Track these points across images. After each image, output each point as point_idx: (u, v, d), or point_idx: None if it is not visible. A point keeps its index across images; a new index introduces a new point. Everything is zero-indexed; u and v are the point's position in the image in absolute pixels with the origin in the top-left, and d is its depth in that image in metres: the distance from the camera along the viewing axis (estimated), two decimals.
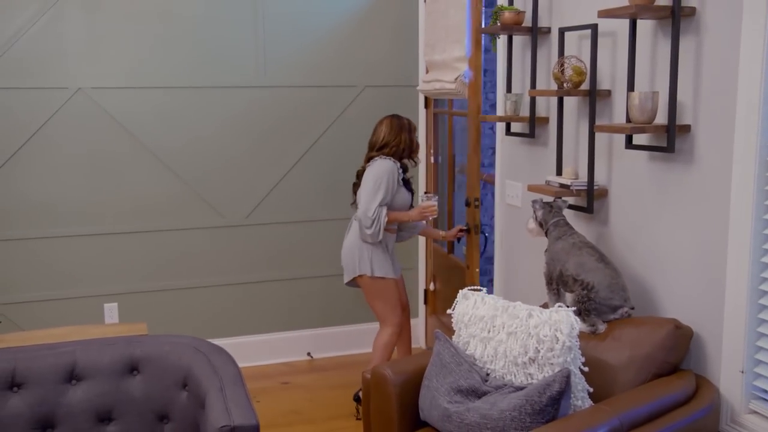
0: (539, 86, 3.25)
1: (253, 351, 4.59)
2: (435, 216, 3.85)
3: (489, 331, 2.49)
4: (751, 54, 2.22)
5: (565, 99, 3.07)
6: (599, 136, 2.89)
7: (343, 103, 4.64)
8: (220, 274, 4.58)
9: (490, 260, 5.53)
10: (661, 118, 2.55)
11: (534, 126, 3.28)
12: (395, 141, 3.77)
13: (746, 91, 2.24)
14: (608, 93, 2.86)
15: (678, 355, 2.45)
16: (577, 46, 3.00)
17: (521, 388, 2.33)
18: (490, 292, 2.70)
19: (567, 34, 3.01)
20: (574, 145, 3.08)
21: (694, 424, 2.29)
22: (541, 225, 2.88)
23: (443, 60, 4.16)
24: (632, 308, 2.62)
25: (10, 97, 4.08)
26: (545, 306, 2.79)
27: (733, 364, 2.36)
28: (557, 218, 2.83)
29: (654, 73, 2.62)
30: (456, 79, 3.95)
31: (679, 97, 2.49)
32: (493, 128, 5.50)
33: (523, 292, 3.51)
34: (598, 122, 2.86)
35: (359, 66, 4.66)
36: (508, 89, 3.46)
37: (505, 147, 3.64)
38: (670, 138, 2.49)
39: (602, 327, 2.57)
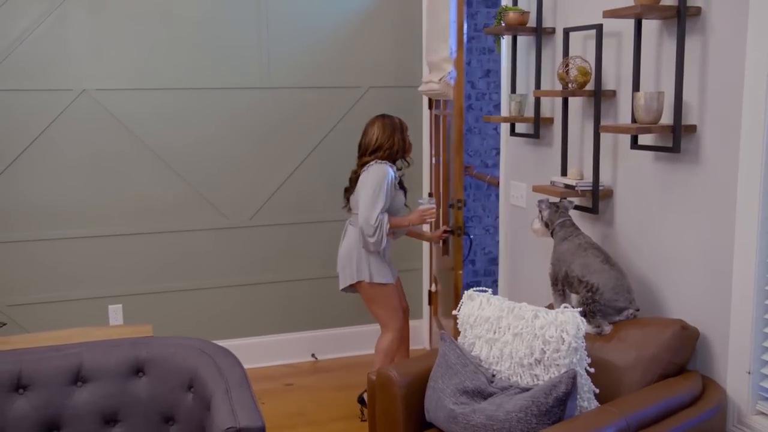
0: (544, 87, 3.25)
1: (256, 352, 4.59)
2: (434, 219, 3.84)
3: (495, 332, 2.49)
4: (757, 54, 2.21)
5: (570, 99, 3.06)
6: (604, 137, 2.88)
7: (347, 104, 4.64)
8: (224, 276, 4.58)
9: (495, 261, 5.53)
10: (667, 119, 2.54)
11: (539, 126, 3.27)
12: (388, 143, 3.70)
13: (752, 91, 2.24)
14: (613, 93, 2.85)
15: (684, 355, 2.44)
16: (581, 46, 3.00)
17: (527, 390, 2.33)
18: (494, 293, 2.70)
19: (572, 35, 3.00)
20: (578, 146, 3.07)
21: (700, 425, 2.28)
22: (546, 225, 2.87)
23: (436, 61, 4.16)
24: (637, 310, 2.62)
25: (15, 99, 4.08)
26: (550, 307, 2.78)
27: (740, 364, 2.36)
28: (563, 218, 2.83)
29: (659, 73, 2.62)
30: (440, 79, 3.95)
31: (685, 97, 2.48)
32: (497, 129, 5.51)
33: (528, 293, 3.50)
34: (603, 122, 2.86)
35: (363, 67, 4.66)
36: (513, 90, 3.45)
37: (509, 148, 3.64)
38: (675, 138, 2.48)
39: (608, 328, 2.56)
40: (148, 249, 4.40)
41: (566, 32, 3.00)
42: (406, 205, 3.83)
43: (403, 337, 3.97)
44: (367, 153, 3.73)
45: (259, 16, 4.44)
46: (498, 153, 5.34)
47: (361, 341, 4.73)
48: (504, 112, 3.62)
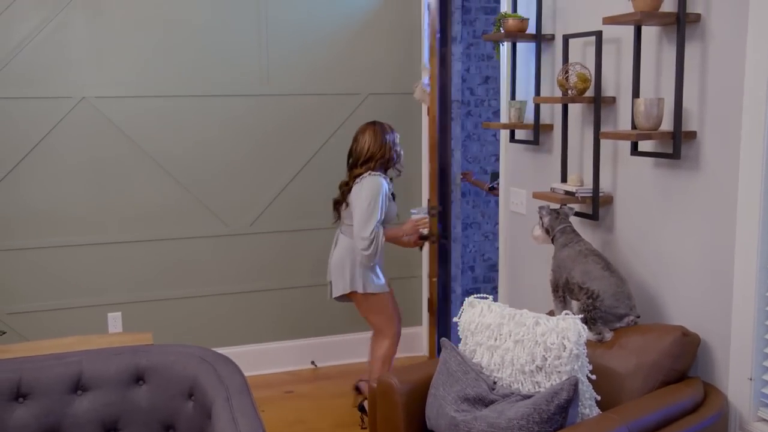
0: (543, 93, 3.25)
1: (256, 360, 4.58)
2: (427, 229, 3.83)
3: (496, 339, 2.49)
4: (757, 60, 2.22)
5: (570, 106, 3.06)
6: (604, 143, 2.89)
7: (346, 111, 4.64)
8: (223, 283, 4.57)
9: (494, 267, 5.53)
10: (667, 125, 2.55)
11: (538, 133, 3.28)
12: (380, 152, 3.67)
13: (752, 96, 2.24)
14: (613, 100, 2.86)
15: (685, 362, 2.44)
16: (581, 52, 3.00)
17: (528, 397, 2.32)
18: (494, 299, 2.69)
19: (571, 41, 3.01)
20: (578, 152, 3.07)
21: None
22: (547, 231, 2.87)
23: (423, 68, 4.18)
24: (638, 317, 2.61)
25: (15, 107, 4.08)
26: (551, 313, 2.78)
27: (742, 371, 2.35)
28: (564, 225, 2.83)
29: (659, 79, 2.62)
30: (416, 86, 3.96)
31: (685, 103, 2.49)
32: (496, 135, 5.52)
33: (528, 300, 3.50)
34: (603, 129, 2.86)
35: (363, 73, 4.66)
36: (512, 96, 3.45)
37: (509, 154, 3.64)
38: (675, 144, 2.49)
39: (608, 335, 2.56)
40: (148, 256, 4.40)
41: (566, 39, 3.01)
42: (397, 215, 3.82)
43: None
44: (358, 163, 3.69)
45: (259, 23, 4.45)
46: (497, 159, 5.35)
47: (361, 348, 4.71)
48: (504, 118, 3.62)
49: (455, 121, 4.86)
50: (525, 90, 3.44)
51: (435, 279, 3.69)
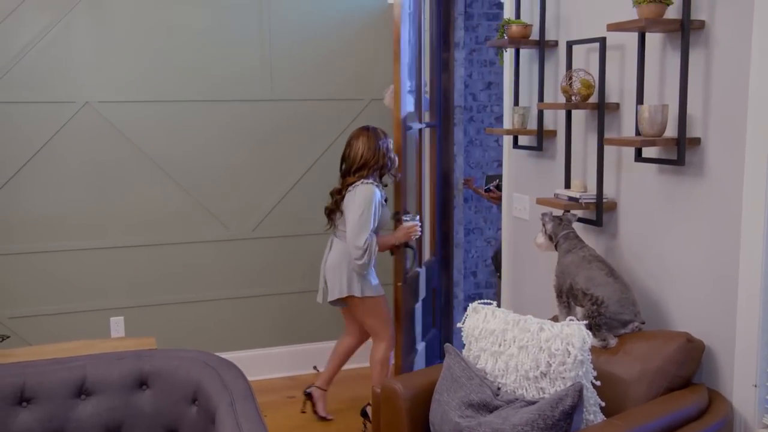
0: (547, 99, 3.26)
1: (258, 365, 4.57)
2: (419, 236, 3.85)
3: (500, 345, 2.48)
4: (761, 66, 2.22)
5: (573, 112, 3.07)
6: (608, 149, 2.89)
7: (349, 116, 4.65)
8: (225, 288, 4.57)
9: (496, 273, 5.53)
10: (671, 131, 2.55)
11: (542, 139, 3.28)
12: (374, 159, 3.67)
13: (757, 103, 2.25)
14: (617, 106, 2.86)
15: (690, 369, 2.43)
16: (584, 59, 3.01)
17: (533, 403, 2.32)
18: (497, 305, 2.69)
19: (575, 48, 3.01)
20: (582, 158, 3.07)
21: None
22: (550, 238, 2.87)
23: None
24: (643, 323, 2.61)
25: (18, 112, 4.09)
26: (555, 319, 2.78)
27: (746, 378, 2.35)
28: (567, 231, 2.83)
29: (663, 86, 2.62)
30: (387, 92, 3.97)
31: (689, 110, 2.49)
32: (498, 141, 5.53)
33: (532, 305, 3.49)
34: (606, 135, 2.86)
35: (365, 79, 4.67)
36: (516, 102, 3.46)
37: (512, 160, 3.64)
38: (680, 151, 2.49)
39: (613, 342, 2.56)
40: (150, 261, 4.40)
41: (569, 45, 3.02)
42: (392, 219, 3.84)
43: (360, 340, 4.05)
44: (352, 170, 3.69)
45: (262, 29, 4.46)
46: (499, 165, 5.36)
47: (363, 354, 4.71)
48: (507, 124, 3.62)
49: (458, 127, 4.87)
50: (528, 96, 3.45)
51: (400, 284, 3.74)
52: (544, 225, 2.90)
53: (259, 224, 4.59)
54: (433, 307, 4.85)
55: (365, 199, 3.59)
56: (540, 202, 3.13)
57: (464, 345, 2.65)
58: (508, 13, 3.50)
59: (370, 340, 4.00)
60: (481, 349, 2.55)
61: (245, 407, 2.25)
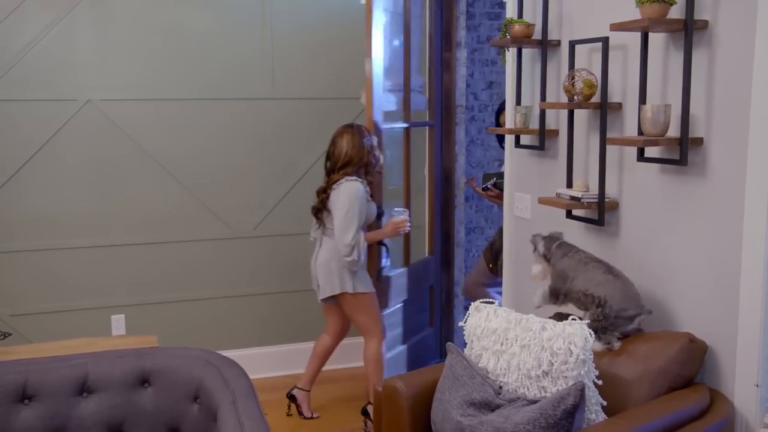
0: (549, 99, 3.26)
1: (259, 363, 4.57)
2: (408, 230, 3.87)
3: (502, 344, 2.49)
4: (764, 66, 2.22)
5: (576, 111, 3.07)
6: (610, 149, 2.89)
7: (351, 115, 4.65)
8: (226, 286, 4.57)
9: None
10: (674, 131, 2.55)
11: (544, 138, 3.28)
12: (358, 156, 3.69)
13: (760, 104, 2.25)
14: (619, 106, 2.86)
15: (692, 369, 2.43)
16: (587, 59, 3.01)
17: (535, 402, 2.32)
18: (498, 304, 2.69)
19: (577, 47, 3.01)
20: (584, 158, 3.07)
21: None
22: (545, 257, 2.84)
23: None
24: (650, 312, 2.60)
25: (20, 109, 4.09)
26: (556, 318, 2.78)
27: (748, 378, 2.35)
28: (559, 241, 2.83)
29: (666, 86, 2.62)
30: (363, 91, 4.00)
31: (692, 110, 2.49)
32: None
33: (532, 305, 3.49)
34: (609, 135, 2.86)
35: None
36: (518, 102, 3.46)
37: (514, 159, 3.64)
38: (682, 151, 2.49)
39: (617, 344, 2.56)
40: (151, 259, 4.40)
41: (572, 45, 3.01)
42: (380, 214, 3.86)
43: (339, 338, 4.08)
44: (336, 168, 3.71)
45: (264, 26, 4.46)
46: (501, 164, 5.35)
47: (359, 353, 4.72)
48: (509, 123, 3.62)
49: (459, 126, 4.87)
50: (530, 95, 3.45)
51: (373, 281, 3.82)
52: (536, 246, 2.88)
53: (260, 223, 4.59)
54: (431, 305, 4.86)
55: (350, 196, 3.62)
56: (542, 201, 3.13)
57: (466, 344, 2.65)
58: (511, 12, 3.50)
59: (360, 338, 4.01)
60: (482, 347, 2.56)
61: (247, 405, 2.25)
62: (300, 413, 4.07)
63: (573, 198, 2.96)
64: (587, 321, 2.42)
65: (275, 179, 4.59)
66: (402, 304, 4.37)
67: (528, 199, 3.51)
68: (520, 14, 3.40)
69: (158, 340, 3.19)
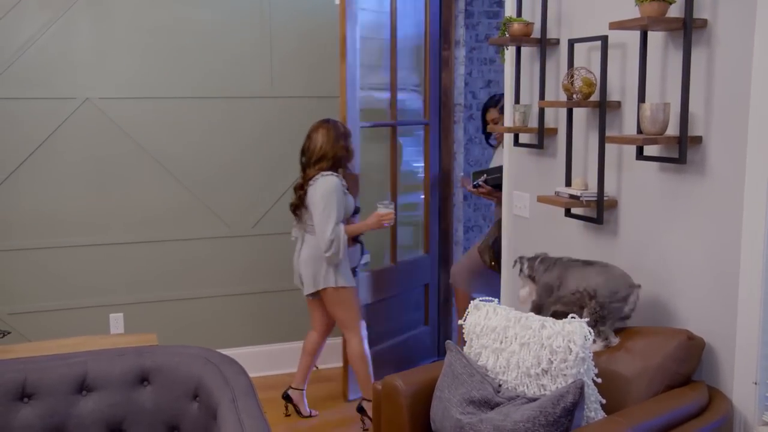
0: (548, 97, 3.26)
1: (258, 361, 4.57)
2: (392, 223, 3.89)
3: (501, 342, 2.49)
4: (763, 65, 2.23)
5: (575, 110, 3.07)
6: (609, 147, 2.89)
7: None
8: (225, 285, 4.57)
9: None
10: (673, 130, 2.56)
11: (543, 137, 3.28)
12: (332, 151, 3.74)
13: (759, 102, 2.25)
14: (618, 104, 2.86)
15: (690, 366, 2.44)
16: (586, 57, 3.01)
17: (534, 400, 2.32)
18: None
19: (576, 46, 3.01)
20: (583, 156, 3.08)
21: None
22: (530, 277, 2.83)
23: None
24: (639, 286, 2.61)
25: (18, 108, 4.09)
26: (555, 315, 2.78)
27: (747, 375, 2.36)
28: (542, 257, 2.85)
29: (665, 84, 2.63)
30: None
31: (691, 108, 2.49)
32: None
33: None
34: (607, 133, 2.86)
35: None
36: (517, 100, 3.46)
37: (513, 158, 3.64)
38: (681, 149, 2.49)
39: (615, 340, 2.56)
40: (150, 257, 4.40)
41: (571, 43, 3.02)
42: (357, 207, 3.89)
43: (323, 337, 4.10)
44: (311, 162, 3.75)
45: (262, 25, 4.46)
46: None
47: None
48: (508, 122, 3.62)
49: (457, 125, 4.88)
50: (529, 94, 3.45)
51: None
52: (521, 268, 2.88)
53: (259, 221, 4.59)
54: (426, 303, 4.87)
55: (327, 190, 3.66)
56: (541, 200, 3.13)
57: (465, 342, 2.66)
58: (510, 11, 3.50)
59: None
60: (482, 346, 2.56)
61: (247, 404, 2.25)
62: (298, 412, 4.08)
63: (572, 196, 2.97)
64: (586, 318, 2.43)
65: (274, 177, 4.59)
66: (386, 300, 4.40)
67: (527, 198, 3.51)
68: (519, 13, 3.40)
69: (157, 339, 3.19)
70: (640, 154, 2.70)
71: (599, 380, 2.38)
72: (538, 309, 2.76)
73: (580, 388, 2.21)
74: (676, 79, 2.53)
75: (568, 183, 3.10)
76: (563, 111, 3.14)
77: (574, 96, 2.91)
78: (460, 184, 4.86)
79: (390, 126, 4.57)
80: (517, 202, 3.61)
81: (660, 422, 2.25)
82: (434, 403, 2.55)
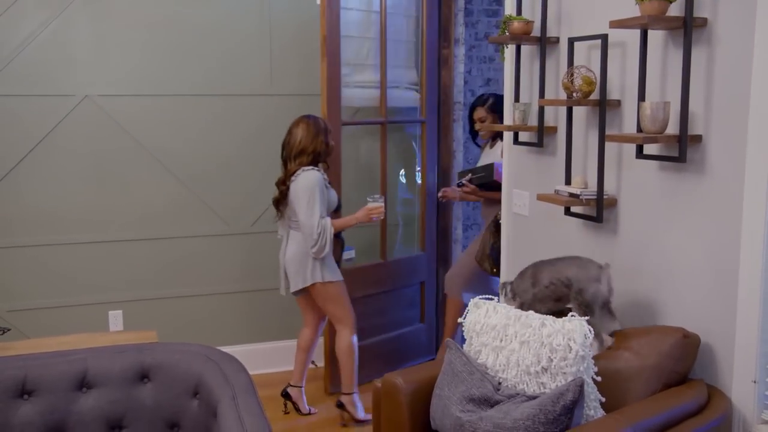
0: (548, 96, 3.26)
1: (256, 359, 4.57)
2: (381, 217, 3.90)
3: (501, 340, 2.49)
4: (763, 64, 2.23)
5: (574, 108, 3.07)
6: (609, 146, 2.90)
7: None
8: (224, 282, 4.57)
9: None
10: (672, 128, 2.56)
11: (542, 135, 3.28)
12: (312, 146, 3.77)
13: (759, 101, 2.26)
14: (618, 103, 2.87)
15: (686, 364, 2.45)
16: (586, 56, 3.01)
17: (534, 398, 2.33)
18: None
19: (576, 44, 3.02)
20: (583, 155, 3.08)
21: None
22: (514, 296, 2.86)
23: None
24: (608, 264, 2.66)
25: (18, 105, 4.08)
26: (555, 314, 2.79)
27: (746, 374, 2.36)
28: (520, 272, 2.87)
29: (665, 83, 2.63)
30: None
31: (691, 107, 2.50)
32: None
33: None
34: (607, 132, 2.87)
35: None
36: (516, 98, 3.46)
37: (512, 156, 3.65)
38: (681, 148, 2.50)
39: (609, 339, 2.58)
40: (149, 255, 4.40)
41: (571, 42, 3.02)
42: (338, 207, 3.92)
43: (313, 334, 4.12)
44: (291, 157, 3.78)
45: (262, 23, 4.46)
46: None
47: None
48: (507, 120, 3.62)
49: (457, 123, 4.88)
50: (529, 92, 3.45)
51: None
52: (505, 291, 2.90)
53: (258, 219, 4.59)
54: (422, 301, 4.87)
55: (309, 184, 3.69)
56: (540, 198, 3.14)
57: (464, 340, 2.66)
58: (509, 9, 3.50)
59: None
60: (482, 344, 2.56)
61: (247, 401, 2.25)
62: (297, 410, 4.08)
63: (571, 195, 2.97)
64: (574, 305, 2.45)
65: (273, 175, 4.56)
66: (373, 296, 4.45)
67: (526, 196, 3.51)
68: (519, 11, 3.40)
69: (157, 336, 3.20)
70: (639, 153, 2.71)
71: (599, 378, 2.38)
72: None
73: (580, 387, 2.21)
74: (676, 78, 2.53)
75: (568, 181, 3.10)
76: (563, 109, 3.15)
77: (574, 94, 2.91)
78: (440, 198, 4.74)
79: (380, 124, 4.57)
80: (517, 201, 3.62)
81: (659, 420, 2.26)
82: (434, 401, 2.55)
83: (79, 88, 4.17)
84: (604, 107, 2.86)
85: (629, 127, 2.81)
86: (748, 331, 2.34)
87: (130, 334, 3.25)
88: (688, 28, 2.44)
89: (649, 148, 2.69)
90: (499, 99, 4.29)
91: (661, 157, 2.62)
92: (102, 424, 2.41)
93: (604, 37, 2.81)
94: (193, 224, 4.47)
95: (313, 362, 4.64)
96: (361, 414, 3.97)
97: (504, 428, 2.25)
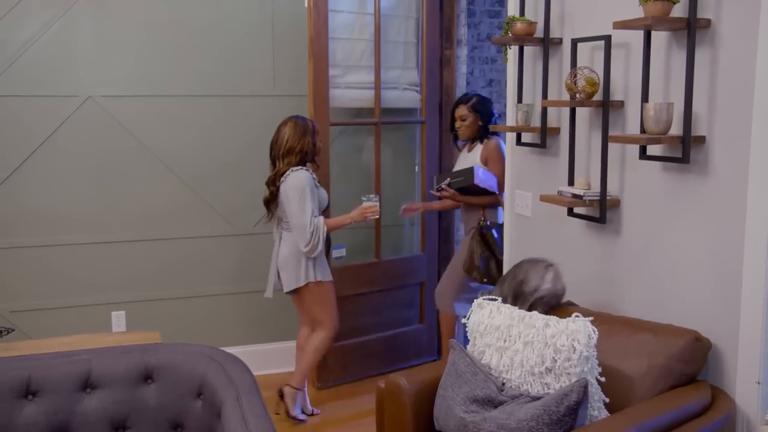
0: (551, 97, 3.26)
1: (258, 360, 4.57)
2: (377, 217, 3.90)
3: (505, 341, 2.50)
4: (767, 66, 2.23)
5: (578, 109, 3.07)
6: (612, 147, 2.90)
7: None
8: (227, 283, 4.57)
9: None
10: (676, 129, 2.56)
11: (545, 136, 3.29)
12: (299, 145, 3.78)
13: (762, 102, 2.26)
14: (621, 104, 2.87)
15: (695, 367, 2.44)
16: (589, 57, 3.02)
17: (538, 398, 2.33)
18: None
19: (579, 45, 3.02)
20: (586, 156, 3.08)
21: None
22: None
23: None
24: (552, 264, 2.81)
25: (21, 105, 4.08)
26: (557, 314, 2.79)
27: (750, 375, 2.36)
28: None
29: (668, 84, 2.63)
30: None
31: (694, 108, 2.50)
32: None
33: None
34: (611, 133, 2.87)
35: None
36: (519, 99, 3.46)
37: (515, 157, 3.65)
38: (685, 149, 2.50)
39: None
40: (152, 255, 4.40)
41: (574, 43, 3.02)
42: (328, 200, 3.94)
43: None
44: (279, 156, 3.79)
45: (265, 24, 4.46)
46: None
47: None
48: (510, 121, 3.63)
49: None
50: (531, 93, 3.46)
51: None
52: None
53: (260, 220, 4.59)
54: (421, 302, 4.87)
55: (298, 185, 3.71)
56: (543, 199, 3.14)
57: (468, 340, 2.66)
58: (512, 10, 3.51)
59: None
60: (486, 344, 2.56)
61: (251, 402, 2.25)
62: (286, 411, 4.03)
63: (575, 196, 2.97)
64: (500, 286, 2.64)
65: None
66: (366, 295, 4.49)
67: (529, 197, 3.51)
68: (522, 12, 3.40)
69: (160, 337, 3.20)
70: (643, 154, 2.71)
71: (603, 379, 2.38)
72: None
73: (584, 387, 2.21)
74: (680, 79, 2.54)
75: (571, 182, 3.10)
76: (566, 110, 3.15)
77: (577, 95, 2.91)
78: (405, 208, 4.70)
79: (373, 125, 4.58)
80: (520, 202, 3.62)
81: (663, 421, 2.25)
82: (438, 402, 2.55)
83: (83, 89, 4.18)
84: (607, 108, 2.86)
85: (632, 128, 2.81)
86: (751, 332, 2.34)
87: (134, 334, 3.25)
88: (692, 29, 2.44)
89: (653, 149, 2.69)
90: (483, 100, 4.28)
91: (665, 158, 2.62)
92: (106, 425, 2.41)
93: (607, 38, 2.81)
94: (196, 225, 4.48)
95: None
96: (297, 411, 3.97)
97: (508, 429, 2.25)
